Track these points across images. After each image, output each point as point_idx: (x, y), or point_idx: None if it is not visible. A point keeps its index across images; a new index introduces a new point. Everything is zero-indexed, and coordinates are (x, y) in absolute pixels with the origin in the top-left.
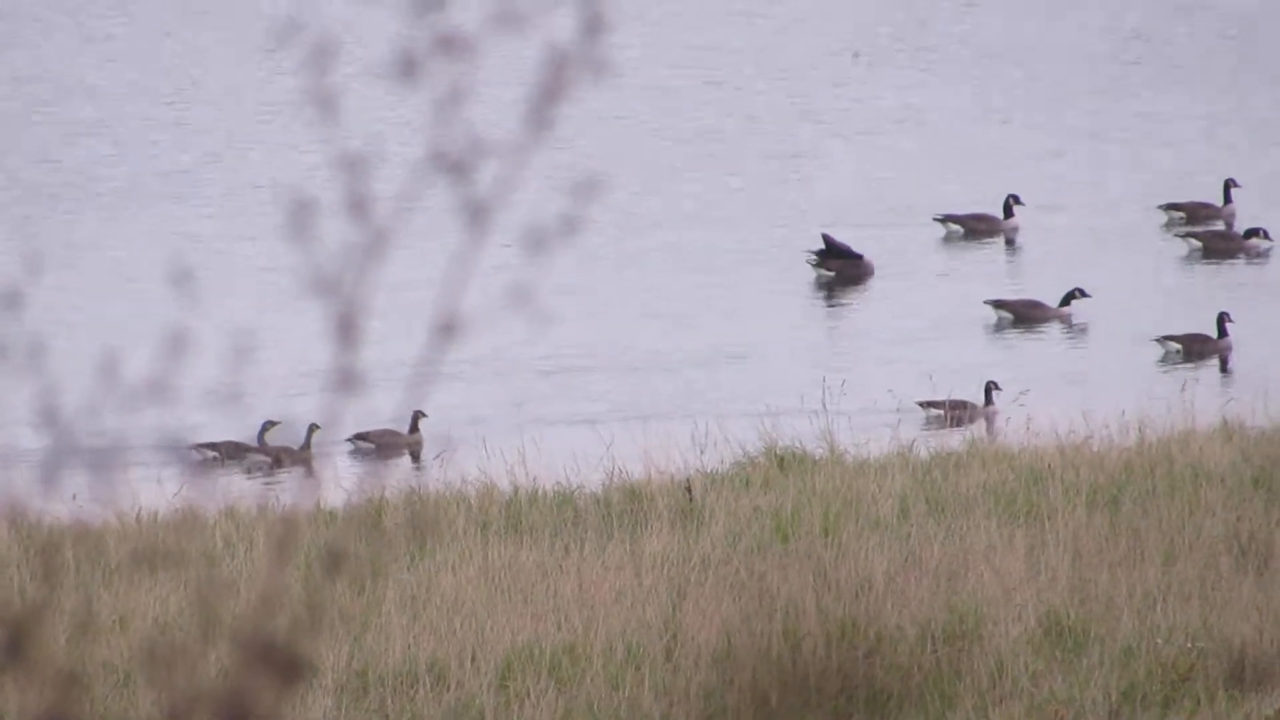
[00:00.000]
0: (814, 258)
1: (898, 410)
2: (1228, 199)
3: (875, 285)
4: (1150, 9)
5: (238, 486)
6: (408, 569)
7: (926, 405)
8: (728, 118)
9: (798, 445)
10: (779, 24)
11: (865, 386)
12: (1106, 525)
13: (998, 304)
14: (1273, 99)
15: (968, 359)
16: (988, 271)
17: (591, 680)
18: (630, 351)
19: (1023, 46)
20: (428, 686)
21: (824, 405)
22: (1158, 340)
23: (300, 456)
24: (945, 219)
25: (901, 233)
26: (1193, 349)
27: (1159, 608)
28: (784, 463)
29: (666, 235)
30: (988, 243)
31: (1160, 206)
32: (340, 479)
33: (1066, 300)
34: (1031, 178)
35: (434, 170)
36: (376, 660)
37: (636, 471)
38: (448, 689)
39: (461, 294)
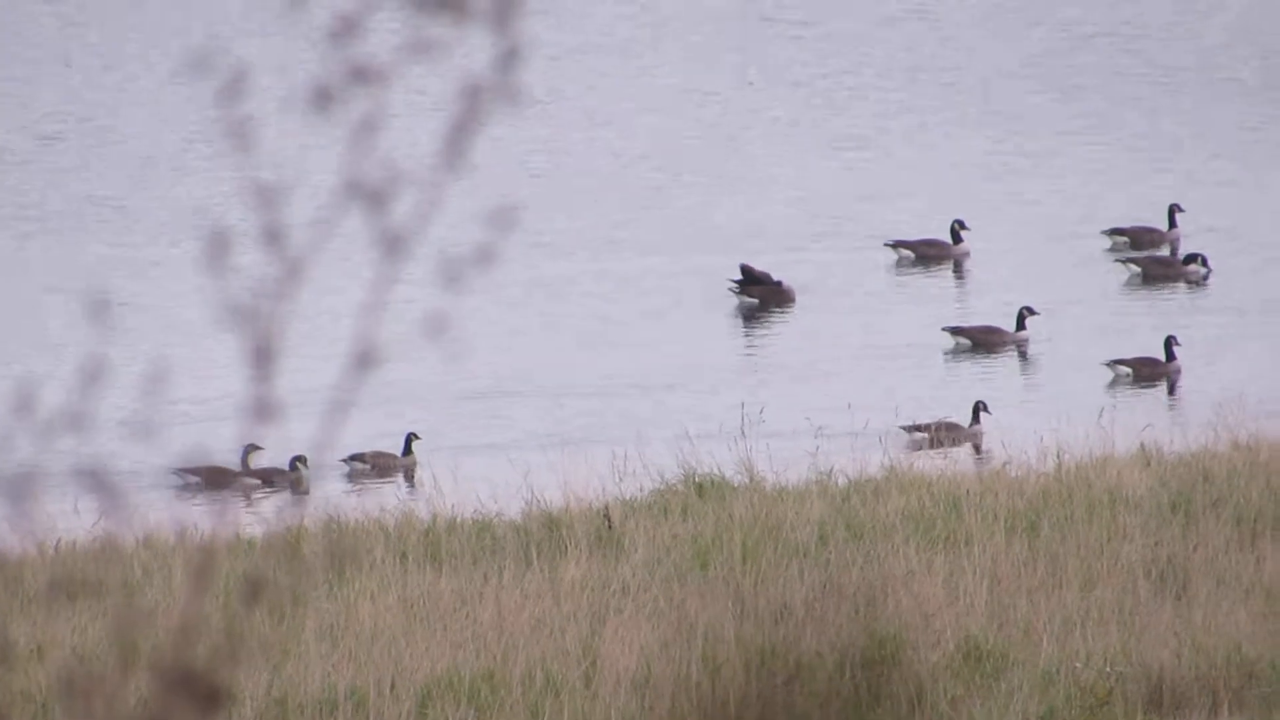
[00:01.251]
0: (735, 286)
1: (817, 436)
2: (1172, 223)
3: (804, 312)
4: (1102, 25)
5: (232, 510)
6: (326, 598)
7: (911, 429)
8: (653, 144)
9: (717, 473)
10: (708, 52)
11: (787, 413)
12: (1025, 550)
13: (955, 330)
14: (1227, 120)
15: (911, 385)
16: (932, 296)
17: (510, 708)
18: (549, 378)
19: (964, 67)
20: (347, 715)
21: (743, 432)
22: (1108, 364)
23: (290, 477)
24: (896, 244)
25: (849, 257)
26: (1142, 372)
27: (1077, 633)
28: (703, 490)
29: (587, 262)
30: (937, 269)
31: (1105, 231)
32: (331, 498)
33: (1020, 322)
34: (977, 201)
35: (350, 199)
36: (295, 689)
37: (555, 499)
38: (367, 717)
39: (378, 323)
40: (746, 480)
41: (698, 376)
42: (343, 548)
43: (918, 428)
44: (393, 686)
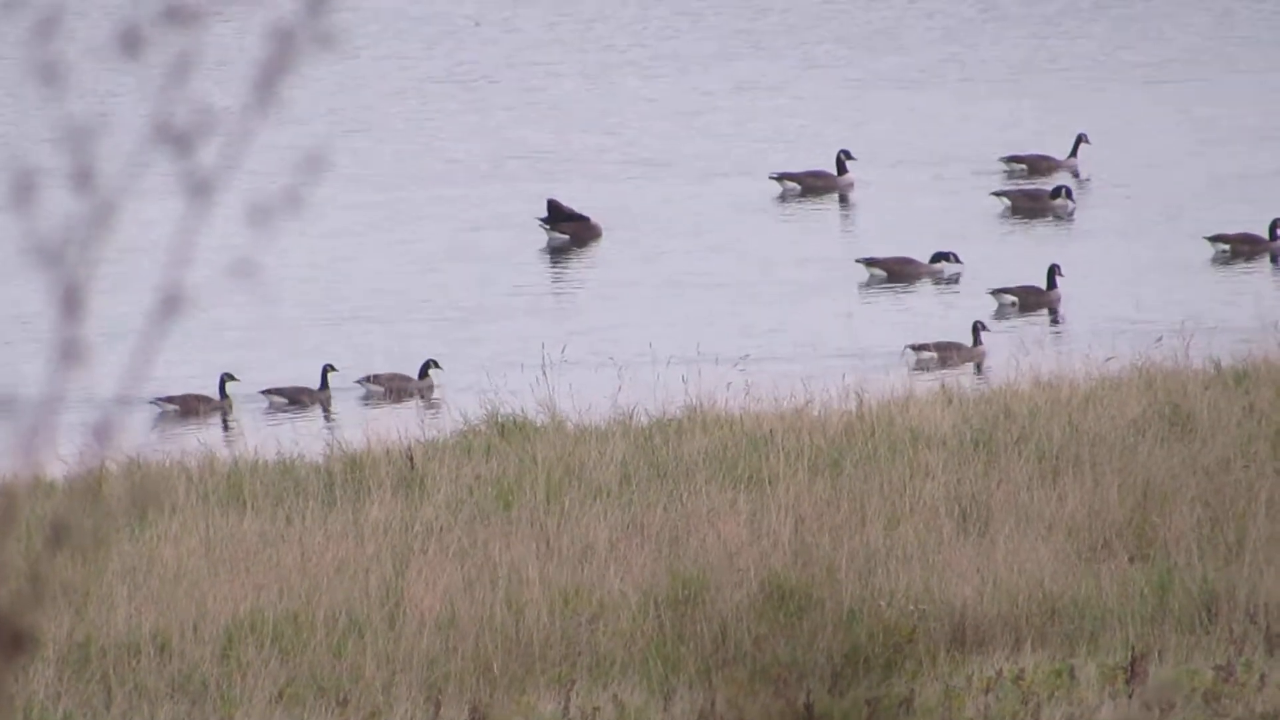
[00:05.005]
0: (542, 223)
1: (619, 377)
2: (1074, 152)
3: (611, 247)
4: None
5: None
6: (129, 540)
7: (917, 348)
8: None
9: (519, 413)
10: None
11: (591, 351)
12: (828, 489)
13: (870, 261)
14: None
15: (741, 317)
16: (812, 228)
17: (314, 649)
18: (354, 314)
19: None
20: (150, 657)
21: (544, 372)
22: (992, 293)
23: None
24: (781, 177)
25: (736, 187)
26: (1027, 301)
27: (880, 571)
28: (505, 430)
29: (398, 194)
30: (822, 200)
31: (1002, 159)
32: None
33: (937, 258)
34: (872, 132)
35: (160, 142)
36: (99, 631)
37: (358, 440)
38: (170, 659)
39: (186, 265)
40: (549, 420)
41: (502, 314)
42: (145, 490)
43: (924, 347)
44: (196, 628)
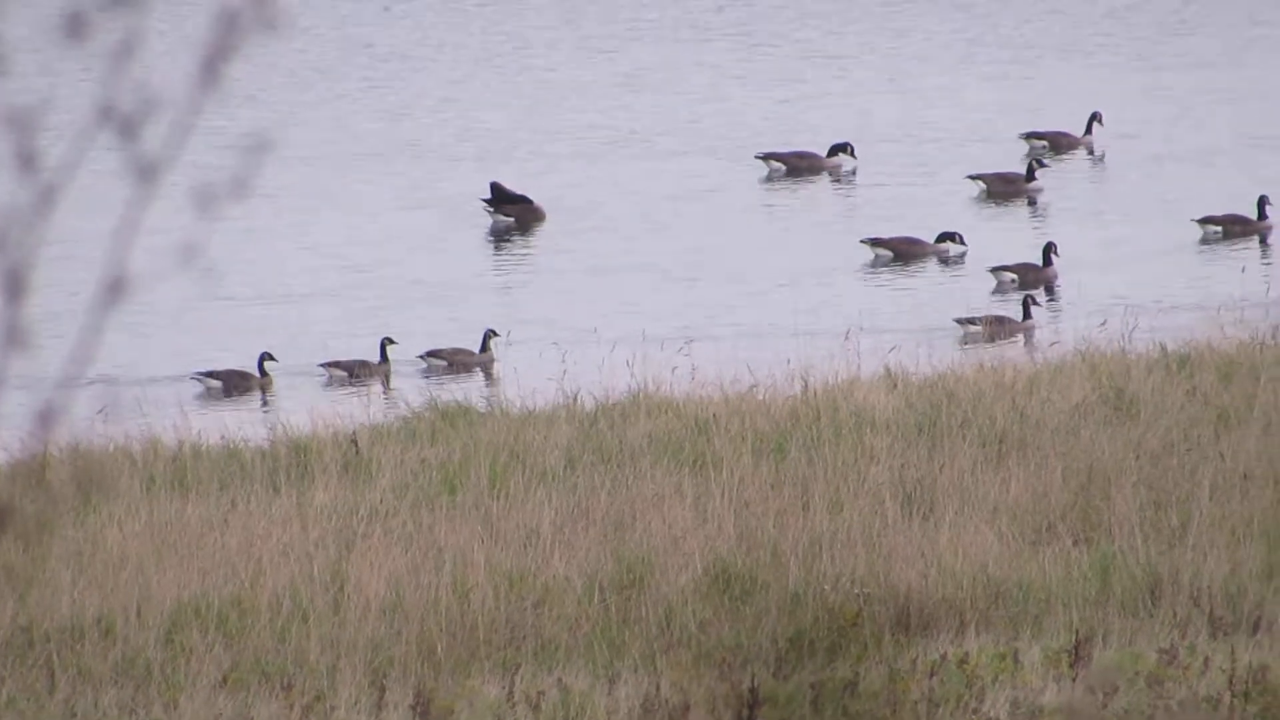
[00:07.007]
0: (486, 205)
1: (563, 361)
2: (1089, 130)
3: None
4: None
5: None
6: (73, 524)
7: (965, 322)
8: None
9: (463, 398)
10: None
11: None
12: (773, 473)
13: (875, 241)
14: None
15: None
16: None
17: (258, 633)
18: (287, 297)
19: None
20: (94, 642)
21: (494, 356)
22: (991, 270)
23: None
24: (767, 157)
25: (724, 167)
26: (1026, 278)
27: (825, 555)
28: (448, 415)
29: (339, 176)
30: (810, 180)
31: (1022, 135)
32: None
33: (942, 238)
34: (879, 110)
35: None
36: (42, 616)
37: (302, 425)
38: (114, 644)
39: (130, 250)
40: (492, 406)
41: (446, 296)
42: (90, 474)
43: (972, 321)
44: (140, 612)
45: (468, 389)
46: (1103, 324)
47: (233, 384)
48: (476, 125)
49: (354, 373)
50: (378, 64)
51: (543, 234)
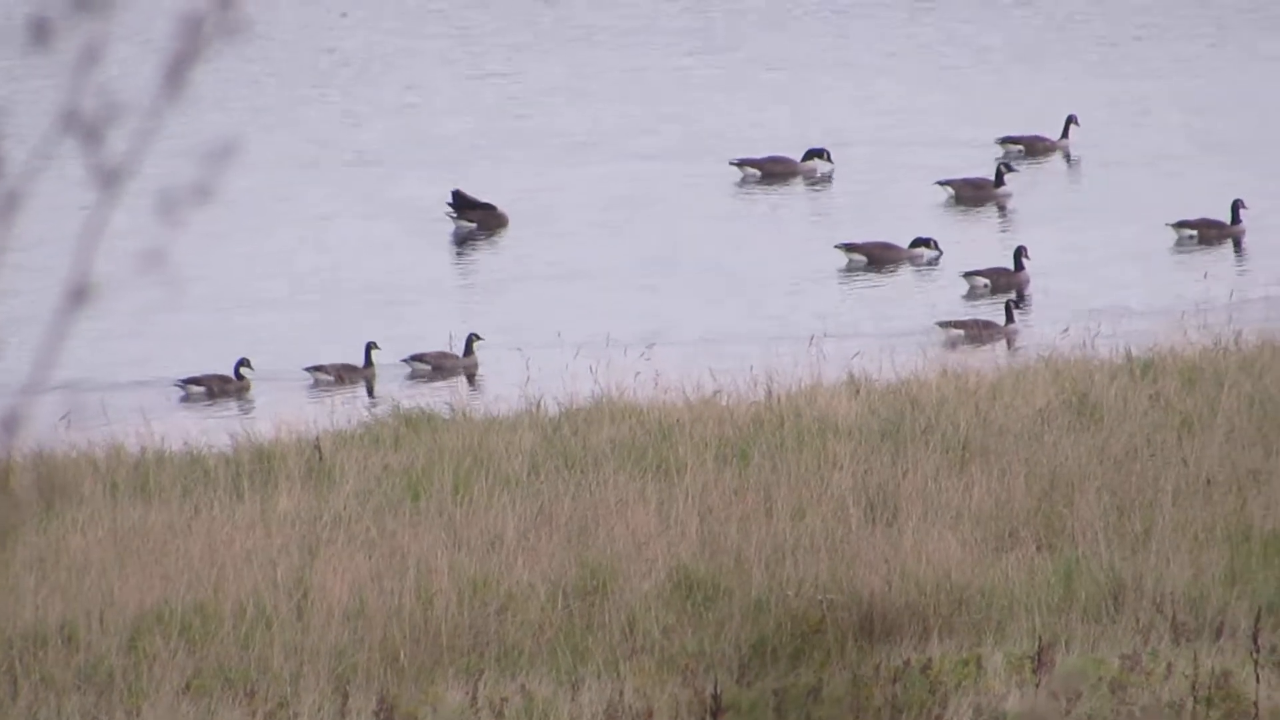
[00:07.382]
0: (450, 211)
1: (527, 366)
2: (1065, 134)
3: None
4: None
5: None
6: (36, 530)
7: (948, 325)
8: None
9: (425, 405)
10: None
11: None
12: (736, 479)
13: (849, 247)
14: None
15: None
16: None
17: (222, 640)
18: (254, 303)
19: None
20: (57, 648)
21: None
22: (965, 275)
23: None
24: (742, 163)
25: (698, 171)
26: (999, 282)
27: (788, 561)
28: (411, 421)
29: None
30: (784, 186)
31: (998, 140)
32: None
33: (916, 244)
34: (860, 115)
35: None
36: (5, 622)
37: (266, 431)
38: (77, 650)
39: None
40: (455, 412)
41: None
42: (53, 480)
43: (956, 324)
44: (103, 619)
45: (449, 394)
46: (1065, 331)
47: (216, 389)
48: (436, 130)
49: (340, 377)
50: (337, 69)
51: (506, 239)
